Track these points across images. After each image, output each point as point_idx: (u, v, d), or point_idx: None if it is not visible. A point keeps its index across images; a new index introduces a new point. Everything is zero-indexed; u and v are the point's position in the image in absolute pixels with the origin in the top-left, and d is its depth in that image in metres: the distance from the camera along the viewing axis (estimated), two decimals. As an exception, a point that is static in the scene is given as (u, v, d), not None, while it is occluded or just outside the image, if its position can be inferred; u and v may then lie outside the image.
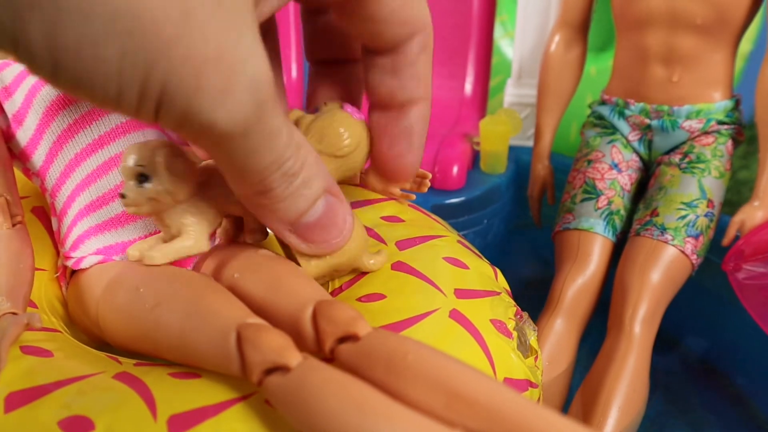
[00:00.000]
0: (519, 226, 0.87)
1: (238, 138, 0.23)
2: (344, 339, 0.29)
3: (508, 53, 1.12)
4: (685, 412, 0.64)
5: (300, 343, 0.29)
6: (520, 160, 0.85)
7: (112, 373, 0.31)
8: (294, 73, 0.94)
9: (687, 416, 0.64)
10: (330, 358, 0.29)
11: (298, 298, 0.32)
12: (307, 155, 0.27)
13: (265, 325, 0.29)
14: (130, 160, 0.35)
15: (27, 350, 0.32)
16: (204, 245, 0.37)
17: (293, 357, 0.27)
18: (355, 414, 0.24)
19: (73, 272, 0.40)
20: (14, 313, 0.32)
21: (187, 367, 0.32)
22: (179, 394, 0.29)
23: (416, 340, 0.29)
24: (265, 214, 0.29)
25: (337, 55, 0.36)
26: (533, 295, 0.85)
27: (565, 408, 0.61)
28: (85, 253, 0.38)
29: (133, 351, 0.35)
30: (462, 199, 0.75)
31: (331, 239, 0.31)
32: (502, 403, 0.24)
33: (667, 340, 0.69)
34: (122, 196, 0.35)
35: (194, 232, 0.37)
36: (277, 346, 0.27)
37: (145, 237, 0.39)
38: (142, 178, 0.35)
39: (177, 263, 0.38)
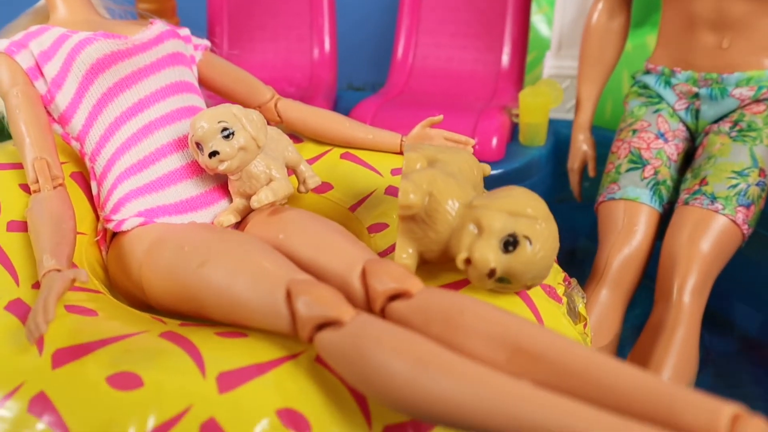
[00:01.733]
0: (559, 200, 0.85)
1: None
2: (395, 297, 0.29)
3: (541, 30, 1.10)
4: (734, 387, 0.63)
5: (348, 302, 0.28)
6: (559, 133, 0.84)
7: (158, 332, 0.31)
8: (327, 46, 0.93)
9: (736, 391, 0.62)
10: (380, 317, 0.29)
11: (346, 258, 0.31)
12: None
13: (314, 281, 0.28)
14: (209, 122, 0.39)
15: (72, 309, 0.32)
16: (290, 184, 0.41)
17: (346, 311, 0.26)
18: (417, 367, 0.23)
19: (114, 235, 0.39)
20: (58, 270, 0.32)
21: (233, 327, 0.31)
22: (227, 353, 0.29)
23: (471, 297, 0.28)
24: None
25: None
26: (572, 271, 0.84)
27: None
28: (126, 216, 0.37)
29: (177, 311, 0.34)
30: (501, 171, 0.73)
31: None
32: (571, 357, 0.24)
33: (715, 316, 0.67)
34: (213, 154, 0.38)
35: (281, 175, 0.40)
36: (328, 300, 0.27)
37: (187, 200, 0.39)
38: (225, 132, 0.39)
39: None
